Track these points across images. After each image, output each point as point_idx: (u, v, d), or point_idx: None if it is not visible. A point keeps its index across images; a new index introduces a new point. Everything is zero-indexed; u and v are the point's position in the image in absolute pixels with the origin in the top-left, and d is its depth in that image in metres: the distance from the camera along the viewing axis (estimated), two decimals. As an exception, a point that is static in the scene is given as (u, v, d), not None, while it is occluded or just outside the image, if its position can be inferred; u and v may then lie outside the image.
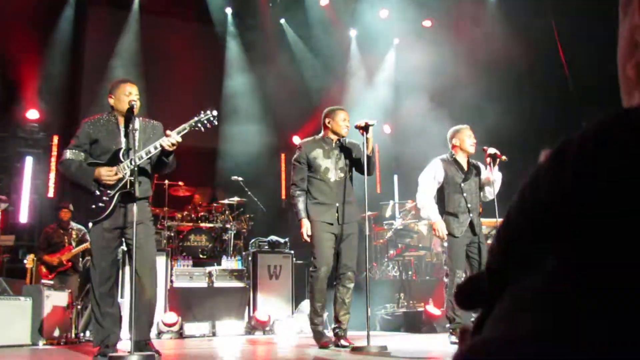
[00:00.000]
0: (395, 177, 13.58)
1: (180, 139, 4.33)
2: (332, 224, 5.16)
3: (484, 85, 10.46)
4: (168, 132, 4.33)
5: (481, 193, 5.54)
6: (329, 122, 5.35)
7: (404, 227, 9.69)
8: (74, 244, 8.25)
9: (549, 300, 0.42)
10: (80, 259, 8.37)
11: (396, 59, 13.70)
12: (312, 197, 5.24)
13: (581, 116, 10.23)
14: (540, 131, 9.95)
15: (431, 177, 5.40)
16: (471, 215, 5.34)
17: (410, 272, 9.66)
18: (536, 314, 0.42)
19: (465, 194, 5.36)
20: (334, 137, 5.36)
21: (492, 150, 5.38)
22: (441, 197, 5.42)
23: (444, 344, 5.47)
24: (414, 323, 8.46)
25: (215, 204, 9.79)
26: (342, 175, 5.30)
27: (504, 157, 5.36)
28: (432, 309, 8.43)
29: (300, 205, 5.19)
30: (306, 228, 5.13)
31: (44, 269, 8.07)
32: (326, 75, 13.07)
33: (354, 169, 5.41)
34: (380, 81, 13.34)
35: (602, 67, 9.73)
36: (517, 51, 10.23)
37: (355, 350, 4.69)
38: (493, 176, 5.39)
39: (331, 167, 5.28)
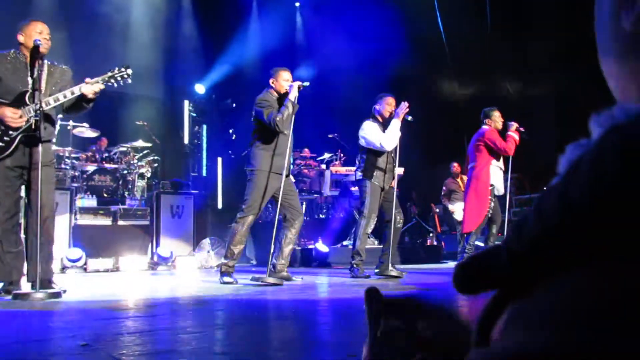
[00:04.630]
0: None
1: (103, 87, 4.00)
2: (278, 174, 5.05)
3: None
4: (88, 79, 3.97)
5: None
6: (273, 82, 5.25)
7: (298, 174, 9.68)
8: None
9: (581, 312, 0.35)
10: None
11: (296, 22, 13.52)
12: (268, 149, 5.12)
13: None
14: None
15: (378, 130, 5.59)
16: (394, 170, 5.73)
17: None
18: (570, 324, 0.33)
19: (392, 153, 5.69)
20: (277, 95, 5.23)
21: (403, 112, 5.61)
22: (374, 154, 5.62)
23: (340, 275, 5.59)
24: (307, 259, 8.60)
25: (120, 146, 9.26)
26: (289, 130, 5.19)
27: (410, 118, 5.60)
28: (321, 246, 8.60)
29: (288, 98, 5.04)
30: (295, 88, 5.06)
31: None
32: (227, 31, 12.62)
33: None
34: (278, 42, 13.05)
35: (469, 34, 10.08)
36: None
37: (255, 279, 4.75)
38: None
39: None
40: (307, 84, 5.14)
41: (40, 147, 3.86)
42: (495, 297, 0.42)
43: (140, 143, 9.26)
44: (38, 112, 3.87)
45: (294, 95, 5.05)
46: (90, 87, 3.97)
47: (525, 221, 0.39)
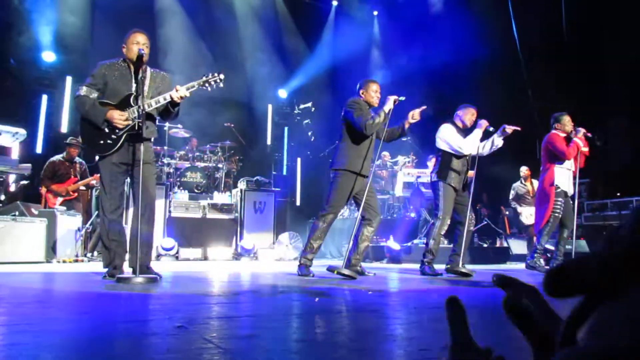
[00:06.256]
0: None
1: (188, 94, 4.21)
2: (365, 177, 5.07)
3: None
4: (178, 87, 4.18)
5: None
6: (362, 93, 5.21)
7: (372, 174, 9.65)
8: (78, 176, 8.03)
9: None
10: (86, 189, 8.19)
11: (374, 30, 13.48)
12: (359, 151, 5.07)
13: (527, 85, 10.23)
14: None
15: (456, 133, 5.54)
16: (467, 174, 5.65)
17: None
18: None
19: (468, 157, 5.62)
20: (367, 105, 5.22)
21: (484, 123, 5.55)
22: (450, 156, 5.54)
23: (410, 272, 5.53)
24: (378, 255, 8.59)
25: (209, 146, 9.61)
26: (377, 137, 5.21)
27: (492, 128, 5.54)
28: (392, 243, 8.54)
29: (382, 108, 4.98)
30: (391, 101, 4.98)
31: (51, 197, 7.82)
32: (307, 38, 12.79)
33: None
34: (356, 48, 13.02)
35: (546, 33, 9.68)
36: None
37: (331, 269, 4.81)
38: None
39: None
40: (402, 98, 5.02)
41: (142, 146, 4.08)
42: (582, 302, 0.41)
43: (227, 143, 9.57)
44: (141, 113, 4.10)
45: (388, 107, 4.96)
46: (177, 93, 4.16)
47: (617, 231, 0.39)
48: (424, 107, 5.18)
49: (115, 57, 4.42)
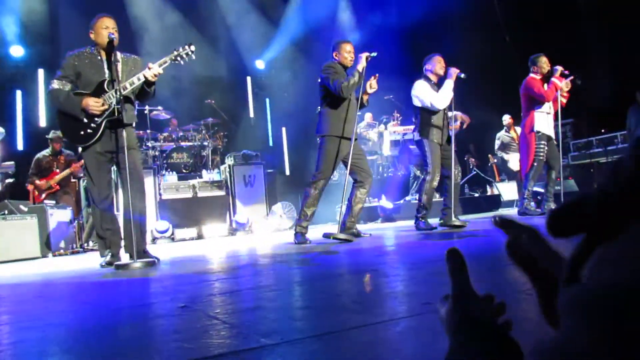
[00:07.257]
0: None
1: (161, 71, 4.15)
2: (348, 139, 5.03)
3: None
4: (150, 64, 4.12)
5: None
6: (336, 55, 5.17)
7: (359, 136, 9.63)
8: (60, 169, 7.92)
9: None
10: (74, 180, 8.12)
11: None
12: (339, 115, 5.06)
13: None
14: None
15: (430, 88, 5.48)
16: (448, 127, 5.61)
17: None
18: None
19: (446, 110, 5.57)
20: (341, 66, 5.15)
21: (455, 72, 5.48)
22: (428, 113, 5.51)
23: (405, 229, 5.59)
24: (371, 215, 8.64)
25: (192, 125, 9.51)
26: (356, 96, 5.16)
27: (463, 75, 5.45)
28: (384, 202, 8.59)
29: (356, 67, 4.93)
30: (363, 59, 4.91)
31: (36, 192, 7.78)
32: (279, 6, 12.54)
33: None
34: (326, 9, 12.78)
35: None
36: None
37: (327, 235, 4.84)
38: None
39: None
40: (374, 54, 4.96)
41: (124, 132, 4.03)
42: (586, 238, 0.41)
43: (210, 120, 9.48)
44: (119, 98, 4.05)
45: (362, 66, 4.92)
46: (150, 71, 4.11)
47: (620, 162, 0.38)
48: (376, 75, 5.13)
49: (84, 43, 4.33)
